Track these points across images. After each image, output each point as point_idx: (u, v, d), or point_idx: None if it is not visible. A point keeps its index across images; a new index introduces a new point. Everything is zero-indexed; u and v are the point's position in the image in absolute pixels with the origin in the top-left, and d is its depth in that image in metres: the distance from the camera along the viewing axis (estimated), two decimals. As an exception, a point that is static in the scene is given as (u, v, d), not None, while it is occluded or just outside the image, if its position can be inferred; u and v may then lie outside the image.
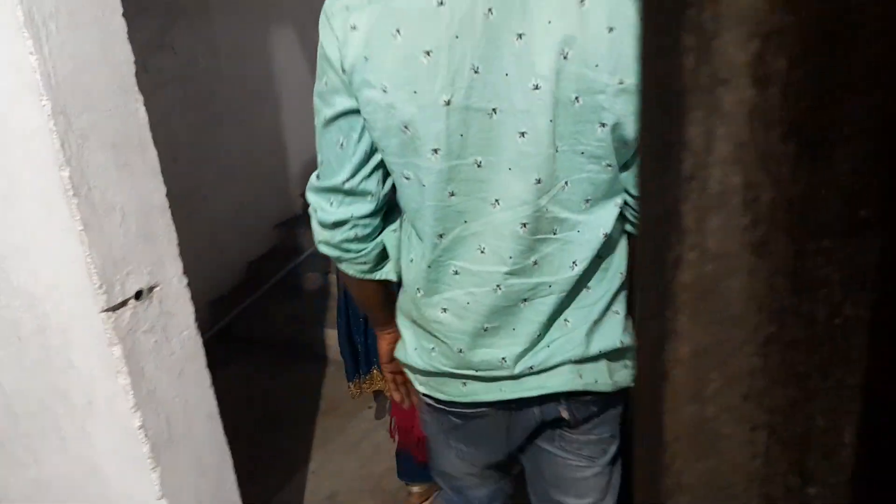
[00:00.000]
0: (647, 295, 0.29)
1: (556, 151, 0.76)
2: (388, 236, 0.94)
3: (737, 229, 0.26)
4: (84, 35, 1.00)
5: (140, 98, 1.11)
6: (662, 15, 0.24)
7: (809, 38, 0.23)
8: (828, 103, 0.24)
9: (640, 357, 0.30)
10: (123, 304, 1.12)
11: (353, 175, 0.85)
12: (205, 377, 1.35)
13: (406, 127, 0.78)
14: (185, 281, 1.25)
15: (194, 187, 3.07)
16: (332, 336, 3.19)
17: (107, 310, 1.09)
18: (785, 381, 0.28)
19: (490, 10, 0.71)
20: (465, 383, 0.93)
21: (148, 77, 2.45)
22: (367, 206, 0.88)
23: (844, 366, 0.28)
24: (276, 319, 3.33)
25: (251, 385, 3.00)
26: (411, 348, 0.96)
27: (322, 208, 0.90)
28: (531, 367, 0.88)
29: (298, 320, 3.29)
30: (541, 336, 0.88)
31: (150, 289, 1.17)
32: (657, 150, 0.26)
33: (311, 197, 0.92)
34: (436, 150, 0.78)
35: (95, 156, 1.04)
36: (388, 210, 0.93)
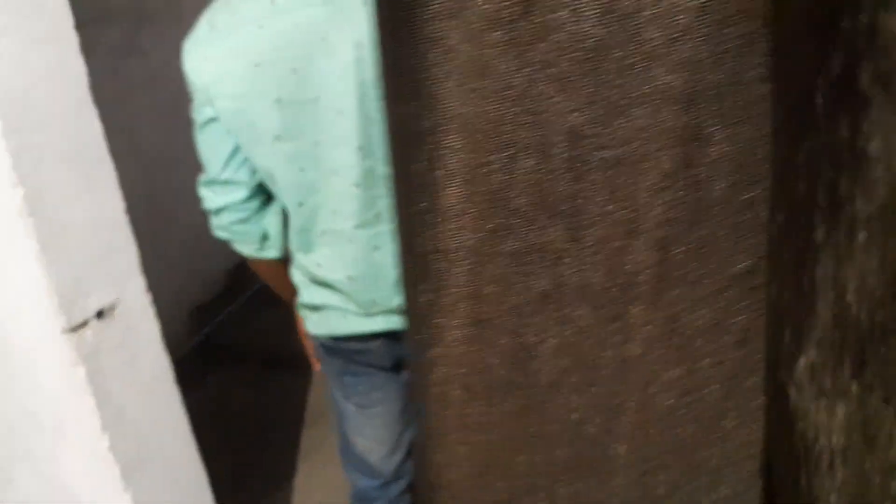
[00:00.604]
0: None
1: (369, 120, 0.95)
2: (271, 218, 1.14)
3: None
4: (36, 51, 0.97)
5: (95, 112, 1.08)
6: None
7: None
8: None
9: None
10: (85, 323, 1.09)
11: (224, 168, 1.06)
12: (175, 395, 1.32)
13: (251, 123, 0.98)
14: (149, 297, 1.23)
15: (170, 194, 3.03)
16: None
17: (68, 330, 1.07)
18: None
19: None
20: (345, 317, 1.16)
21: (118, 82, 2.42)
22: (241, 192, 1.09)
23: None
24: (258, 328, 3.30)
25: (234, 395, 2.96)
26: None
27: (208, 198, 1.12)
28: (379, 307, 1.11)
29: (281, 329, 3.26)
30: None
31: (113, 307, 1.15)
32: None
33: (200, 191, 1.14)
34: (278, 138, 0.98)
35: (51, 173, 1.01)
36: (268, 195, 1.12)
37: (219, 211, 1.12)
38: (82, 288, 1.08)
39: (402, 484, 1.42)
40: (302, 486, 2.37)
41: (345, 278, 1.09)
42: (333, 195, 1.02)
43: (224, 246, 3.77)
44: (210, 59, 1.00)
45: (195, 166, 3.42)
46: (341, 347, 1.24)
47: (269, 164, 1.02)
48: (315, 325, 1.27)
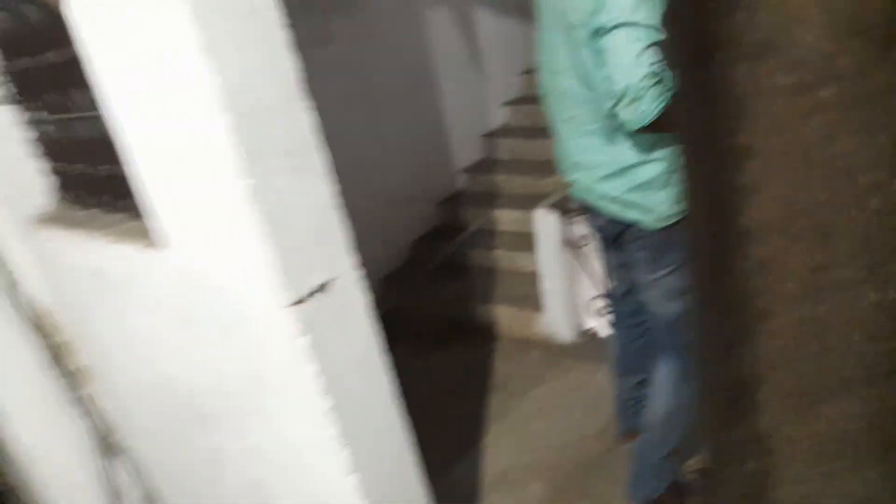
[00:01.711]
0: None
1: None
2: None
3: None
4: (253, 52, 1.07)
5: (306, 104, 1.17)
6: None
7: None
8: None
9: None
10: (307, 298, 1.20)
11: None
12: (383, 362, 1.42)
13: None
14: (359, 273, 1.32)
15: (359, 172, 3.24)
16: (500, 312, 3.24)
17: (293, 304, 1.18)
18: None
19: None
20: None
21: (312, 70, 2.61)
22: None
23: None
24: (442, 298, 3.44)
25: (419, 363, 3.12)
26: None
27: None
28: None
29: (465, 298, 3.37)
30: None
31: (329, 282, 1.25)
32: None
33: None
34: None
35: (272, 163, 1.12)
36: None
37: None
38: (305, 266, 1.19)
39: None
40: (489, 451, 2.45)
41: None
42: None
43: (407, 219, 3.92)
44: None
45: (380, 146, 3.56)
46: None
47: None
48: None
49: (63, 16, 1.23)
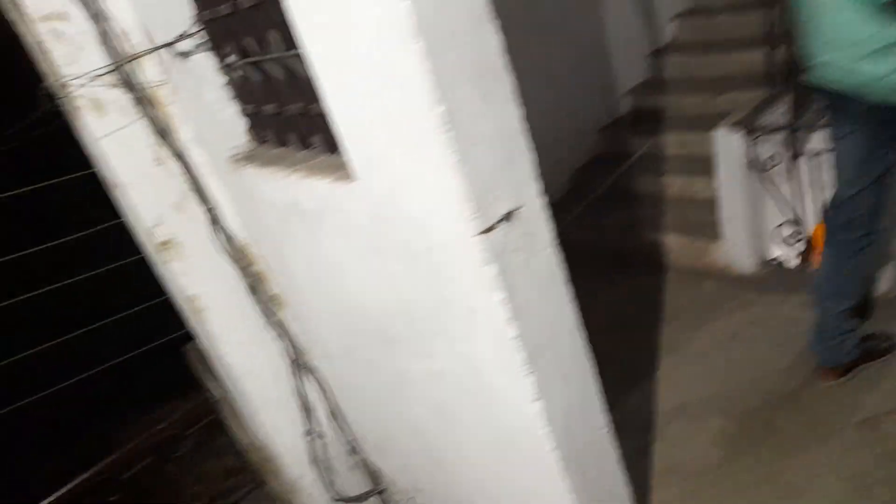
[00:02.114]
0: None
1: None
2: None
3: None
4: (443, -26, 1.03)
5: (494, 27, 1.12)
6: None
7: None
8: None
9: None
10: (494, 226, 1.19)
11: None
12: (566, 290, 1.39)
13: None
14: (543, 201, 1.29)
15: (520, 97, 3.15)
16: (669, 241, 3.07)
17: (482, 232, 1.18)
18: None
19: None
20: None
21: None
22: None
23: None
24: (608, 228, 3.33)
25: (588, 294, 3.02)
26: None
27: None
28: None
29: (632, 228, 3.23)
30: None
31: (516, 210, 1.23)
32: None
33: None
34: None
35: (462, 90, 1.10)
36: None
37: None
38: (492, 194, 1.18)
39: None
40: (664, 383, 2.38)
41: None
42: None
43: (569, 146, 3.82)
44: None
45: (541, 69, 3.44)
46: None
47: None
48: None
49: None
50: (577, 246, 3.35)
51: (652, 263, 3.10)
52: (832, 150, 1.91)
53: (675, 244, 3.05)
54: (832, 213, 1.96)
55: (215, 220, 1.99)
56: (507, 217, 1.21)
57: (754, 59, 3.58)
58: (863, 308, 2.22)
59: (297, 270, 1.96)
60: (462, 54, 1.08)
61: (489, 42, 1.12)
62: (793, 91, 2.53)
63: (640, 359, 2.51)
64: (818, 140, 2.62)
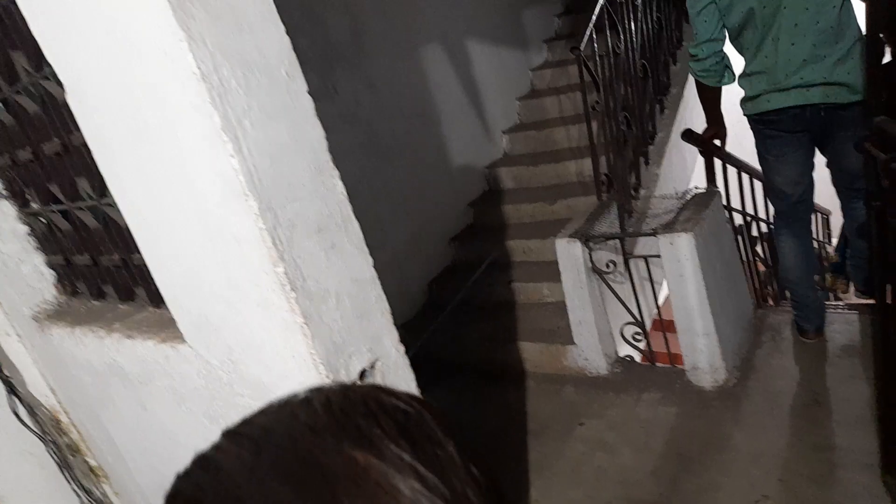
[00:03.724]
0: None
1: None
2: (728, 61, 2.38)
3: None
4: (277, 124, 0.96)
5: (336, 174, 1.05)
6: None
7: None
8: None
9: None
10: (351, 387, 1.07)
11: (713, 31, 2.28)
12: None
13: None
14: (402, 350, 1.20)
15: (374, 223, 3.13)
16: (526, 348, 3.10)
17: (337, 397, 1.05)
18: None
19: None
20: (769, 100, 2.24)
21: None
22: (720, 45, 2.31)
23: None
24: (467, 339, 3.30)
25: (453, 412, 2.97)
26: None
27: (700, 52, 2.32)
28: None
29: (490, 337, 3.24)
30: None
31: (372, 366, 1.12)
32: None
33: (693, 50, 2.35)
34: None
35: (304, 244, 1.00)
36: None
37: (706, 59, 2.32)
38: (345, 352, 1.06)
39: (804, 203, 2.45)
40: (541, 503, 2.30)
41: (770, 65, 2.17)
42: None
43: (422, 260, 3.82)
44: None
45: (390, 191, 3.49)
46: (764, 119, 2.29)
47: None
48: (749, 109, 2.34)
49: (65, 104, 1.12)
50: (438, 360, 3.30)
51: (513, 372, 3.10)
52: (778, 160, 2.36)
53: (531, 351, 3.08)
54: (796, 207, 2.43)
55: (13, 390, 1.67)
56: (363, 375, 1.10)
57: (581, 167, 3.90)
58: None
59: (121, 440, 1.68)
60: (302, 208, 0.99)
61: (332, 192, 1.05)
62: (617, 199, 2.73)
63: (513, 482, 2.43)
64: (646, 245, 2.83)
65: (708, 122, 2.67)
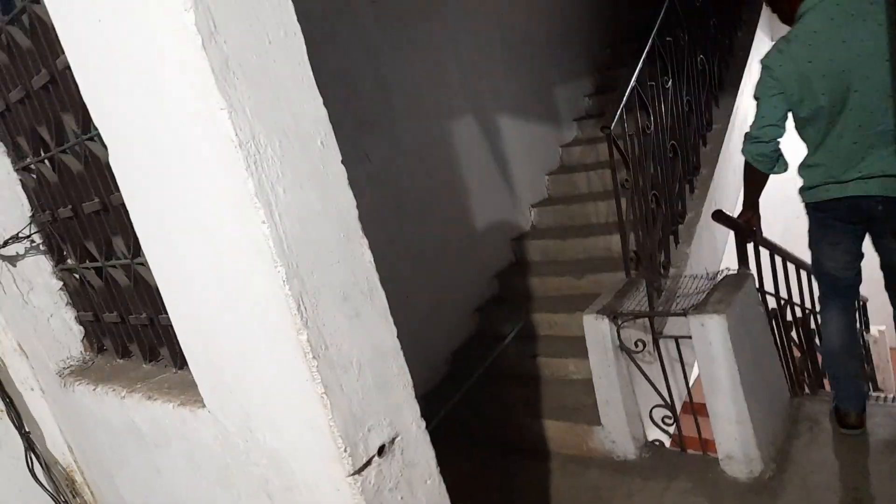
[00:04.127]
0: None
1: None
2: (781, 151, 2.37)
3: None
4: (308, 192, 0.97)
5: (365, 241, 1.06)
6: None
7: None
8: None
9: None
10: (368, 463, 1.04)
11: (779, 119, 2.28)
12: (452, 524, 1.23)
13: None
14: (422, 424, 1.16)
15: (397, 289, 3.12)
16: (550, 426, 3.00)
17: (353, 473, 1.02)
18: None
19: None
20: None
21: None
22: (781, 132, 2.30)
23: None
24: (488, 413, 3.22)
25: (470, 486, 2.85)
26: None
27: (761, 136, 2.32)
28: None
29: (511, 412, 3.15)
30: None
31: (392, 441, 1.09)
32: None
33: (754, 132, 2.34)
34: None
35: (329, 312, 0.99)
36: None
37: (767, 143, 2.32)
38: (364, 426, 1.03)
39: (852, 289, 2.47)
40: None
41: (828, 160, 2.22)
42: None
43: (445, 329, 3.75)
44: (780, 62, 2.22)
45: (414, 256, 3.48)
46: (821, 208, 2.31)
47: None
48: (808, 197, 2.35)
49: (107, 165, 1.16)
50: (457, 433, 3.21)
51: (536, 451, 2.99)
52: (832, 247, 2.38)
53: (556, 430, 2.98)
54: (845, 291, 2.46)
55: (31, 447, 1.66)
56: (382, 451, 1.07)
57: (609, 243, 3.88)
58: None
59: (138, 502, 1.64)
60: (328, 275, 0.99)
61: (359, 260, 1.05)
62: (646, 276, 2.69)
63: (533, 567, 2.30)
64: (675, 324, 2.77)
65: (745, 205, 2.65)
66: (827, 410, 2.72)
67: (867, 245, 2.37)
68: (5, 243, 1.56)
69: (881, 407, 2.68)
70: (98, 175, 1.34)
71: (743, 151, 2.45)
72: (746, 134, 2.40)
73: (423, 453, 1.15)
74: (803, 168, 2.34)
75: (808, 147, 2.31)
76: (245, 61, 0.89)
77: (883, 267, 2.38)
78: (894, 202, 2.17)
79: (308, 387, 0.99)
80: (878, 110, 2.10)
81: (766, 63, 2.29)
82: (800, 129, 2.31)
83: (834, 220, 2.32)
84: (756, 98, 2.35)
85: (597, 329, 2.66)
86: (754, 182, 2.52)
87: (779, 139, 2.34)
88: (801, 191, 2.39)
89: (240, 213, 0.92)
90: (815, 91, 2.15)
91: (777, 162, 2.40)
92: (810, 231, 2.44)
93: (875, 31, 2.04)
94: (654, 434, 2.81)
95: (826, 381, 3.57)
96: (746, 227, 2.72)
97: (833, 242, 2.36)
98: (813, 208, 2.37)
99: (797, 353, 3.33)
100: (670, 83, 3.15)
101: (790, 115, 2.29)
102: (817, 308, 3.50)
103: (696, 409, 2.72)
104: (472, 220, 4.01)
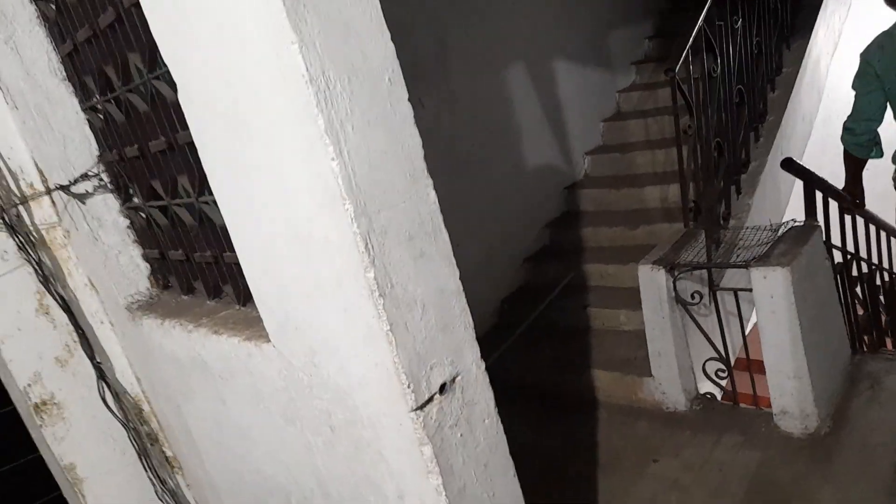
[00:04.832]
0: None
1: None
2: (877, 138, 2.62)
3: None
4: (376, 130, 0.96)
5: (430, 182, 1.05)
6: None
7: None
8: None
9: None
10: (430, 400, 1.05)
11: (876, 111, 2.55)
12: (509, 465, 1.25)
13: None
14: (482, 365, 1.17)
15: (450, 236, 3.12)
16: (599, 377, 3.00)
17: (415, 409, 1.03)
18: None
19: None
20: None
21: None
22: (877, 124, 2.57)
23: None
24: (537, 364, 3.23)
25: (519, 438, 2.85)
26: None
27: (857, 128, 2.60)
28: None
29: (560, 363, 3.16)
30: None
31: (453, 380, 1.10)
32: None
33: (851, 124, 2.63)
34: None
35: (395, 251, 0.99)
36: None
37: (861, 135, 2.56)
38: (427, 364, 1.04)
39: None
40: (606, 540, 2.21)
41: None
42: None
43: (495, 278, 3.75)
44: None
45: (466, 207, 3.45)
46: None
47: None
48: None
49: (175, 104, 1.17)
50: (505, 384, 3.22)
51: (583, 401, 3.00)
52: None
53: (604, 380, 2.98)
54: None
55: (103, 376, 1.75)
56: (444, 389, 1.08)
57: (665, 193, 3.77)
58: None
59: (198, 432, 1.72)
60: (395, 215, 0.99)
61: (425, 201, 1.04)
62: (705, 227, 2.62)
63: (581, 511, 2.33)
64: (733, 277, 2.69)
65: (847, 181, 2.90)
66: (890, 368, 2.63)
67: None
68: (75, 181, 1.60)
69: (949, 368, 2.58)
70: (164, 114, 1.35)
71: (841, 139, 2.72)
72: (844, 125, 2.68)
73: (483, 393, 1.16)
74: None
75: None
76: (315, -7, 0.87)
77: None
78: None
79: (374, 324, 1.00)
80: None
81: (866, 58, 2.46)
82: None
83: None
84: (854, 89, 2.57)
85: (652, 280, 2.61)
86: (854, 163, 2.78)
87: (872, 130, 2.61)
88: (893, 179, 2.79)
89: (310, 151, 0.92)
90: None
91: (872, 149, 2.66)
92: None
93: None
94: (706, 387, 2.78)
95: (889, 340, 3.47)
96: (851, 200, 2.93)
97: None
98: None
99: (861, 311, 3.22)
100: (739, 23, 2.98)
101: (889, 105, 2.52)
102: (884, 265, 3.43)
103: (752, 365, 2.67)
104: (523, 169, 3.95)
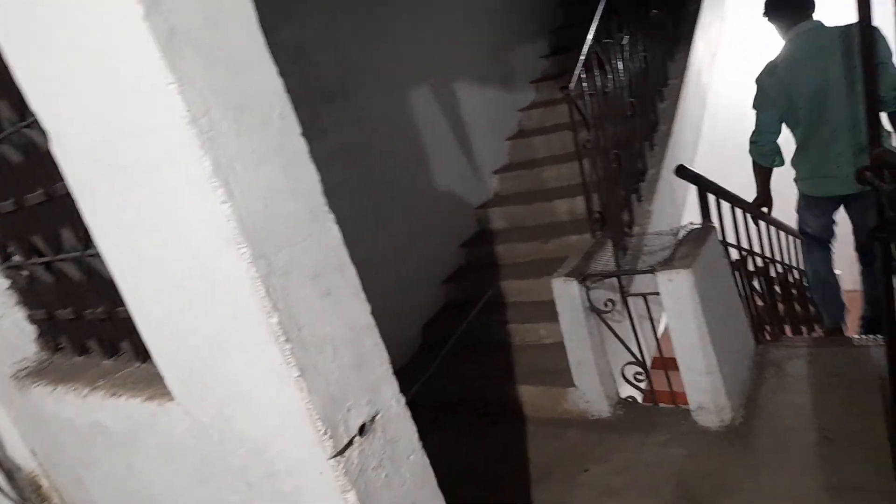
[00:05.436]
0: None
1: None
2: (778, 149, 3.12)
3: None
4: (269, 167, 0.92)
5: (331, 217, 1.01)
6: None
7: None
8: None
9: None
10: (349, 444, 1.01)
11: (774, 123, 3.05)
12: (437, 497, 1.21)
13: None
14: (402, 400, 1.14)
15: (366, 265, 3.07)
16: (525, 391, 3.03)
17: (334, 455, 0.99)
18: None
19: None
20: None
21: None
22: (777, 135, 3.08)
23: None
24: (465, 381, 3.22)
25: (451, 456, 2.85)
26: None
27: (761, 140, 3.08)
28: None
29: (488, 379, 3.16)
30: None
31: (373, 419, 1.06)
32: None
33: (757, 137, 3.10)
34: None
35: (299, 292, 0.95)
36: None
37: (763, 146, 3.06)
38: (343, 406, 1.00)
39: (830, 241, 3.24)
40: (546, 556, 2.20)
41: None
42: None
43: (416, 302, 3.72)
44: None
45: (382, 232, 3.41)
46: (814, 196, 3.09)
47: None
48: (801, 188, 3.16)
49: (48, 153, 1.08)
50: (436, 403, 3.21)
51: (512, 416, 3.01)
52: (816, 219, 3.17)
53: (530, 394, 3.00)
54: (826, 243, 3.22)
55: (-7, 452, 1.58)
56: (364, 430, 1.04)
57: (573, 206, 3.88)
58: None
59: (104, 503, 1.59)
60: (296, 254, 0.95)
61: (327, 236, 1.00)
62: (611, 236, 2.70)
63: (517, 531, 2.32)
64: (643, 282, 2.79)
65: (758, 192, 3.30)
66: (791, 356, 2.80)
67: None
68: (-57, 243, 1.46)
69: (841, 349, 2.77)
70: (39, 164, 1.25)
71: (749, 152, 3.14)
72: (749, 139, 3.11)
73: (405, 429, 1.13)
74: (797, 162, 3.08)
75: (797, 144, 3.04)
76: (193, 31, 0.83)
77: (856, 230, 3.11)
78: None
79: (283, 371, 0.95)
80: (843, 122, 2.73)
81: (759, 82, 2.97)
82: (791, 129, 3.01)
83: (818, 202, 3.11)
84: (755, 108, 3.03)
85: (566, 292, 2.67)
86: (761, 173, 3.21)
87: (773, 141, 3.05)
88: (797, 181, 3.17)
89: (199, 194, 0.86)
90: (797, 104, 2.87)
91: (774, 159, 3.11)
92: (800, 208, 3.27)
93: (839, 61, 2.70)
94: (626, 391, 2.85)
95: (787, 328, 3.70)
96: (758, 211, 3.37)
97: (818, 216, 3.17)
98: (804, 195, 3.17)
99: (759, 302, 3.41)
100: (626, 39, 3.14)
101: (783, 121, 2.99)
102: (776, 258, 3.68)
103: (666, 363, 2.76)
104: (435, 192, 3.96)
